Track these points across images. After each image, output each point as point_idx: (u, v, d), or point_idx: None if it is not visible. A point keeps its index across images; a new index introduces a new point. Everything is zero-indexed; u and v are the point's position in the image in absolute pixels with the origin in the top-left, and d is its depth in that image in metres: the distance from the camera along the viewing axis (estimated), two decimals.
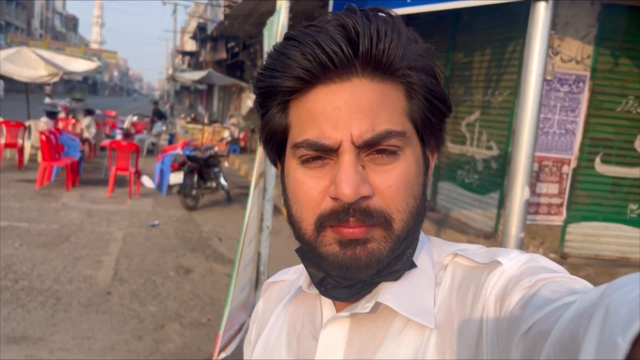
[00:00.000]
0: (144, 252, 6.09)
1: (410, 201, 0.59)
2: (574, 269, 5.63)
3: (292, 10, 2.66)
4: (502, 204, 6.07)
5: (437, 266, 0.66)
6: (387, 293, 0.62)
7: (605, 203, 6.12)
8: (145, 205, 8.58)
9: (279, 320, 0.76)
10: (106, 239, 6.51)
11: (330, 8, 2.98)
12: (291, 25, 2.68)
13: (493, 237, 6.16)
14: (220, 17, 14.31)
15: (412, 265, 0.64)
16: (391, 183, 0.58)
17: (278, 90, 0.60)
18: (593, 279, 5.54)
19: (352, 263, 0.58)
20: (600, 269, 5.84)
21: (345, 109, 0.57)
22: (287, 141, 0.63)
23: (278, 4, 2.58)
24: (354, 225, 0.57)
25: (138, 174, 9.35)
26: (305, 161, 0.59)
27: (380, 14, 0.59)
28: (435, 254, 0.67)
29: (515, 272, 0.57)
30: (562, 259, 6.03)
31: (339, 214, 0.57)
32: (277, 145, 0.65)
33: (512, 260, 0.59)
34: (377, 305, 0.63)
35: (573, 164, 5.92)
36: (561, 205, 5.99)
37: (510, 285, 0.55)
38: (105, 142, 11.40)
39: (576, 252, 6.13)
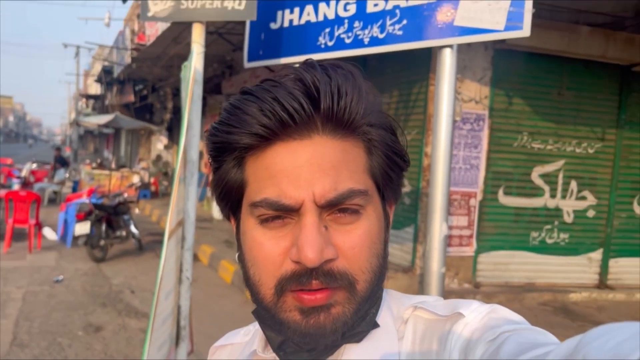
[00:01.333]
0: (47, 312, 5.58)
1: (374, 261, 0.58)
2: (487, 297, 5.88)
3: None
4: (417, 238, 6.27)
5: (397, 321, 0.64)
6: (352, 354, 0.60)
7: (510, 232, 6.53)
8: (47, 260, 7.94)
9: None
10: (3, 299, 5.91)
11: (246, 42, 2.99)
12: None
13: (411, 270, 6.31)
14: (128, 60, 13.92)
15: (375, 325, 0.62)
16: (355, 244, 0.56)
17: (234, 146, 0.57)
18: (504, 305, 5.79)
19: (317, 331, 0.56)
20: (511, 295, 6.16)
21: (307, 167, 0.55)
22: (244, 197, 0.60)
23: (193, 46, 2.55)
24: (316, 287, 0.55)
25: (39, 225, 8.69)
26: (264, 220, 0.56)
27: (338, 69, 0.58)
28: (394, 308, 0.65)
29: (478, 325, 0.56)
30: (476, 288, 6.30)
31: (301, 277, 0.54)
32: (232, 201, 0.62)
33: (474, 312, 0.58)
34: None
35: (479, 197, 6.27)
36: (471, 236, 6.29)
37: (474, 338, 0.55)
38: (1, 192, 10.54)
39: (488, 280, 6.43)
